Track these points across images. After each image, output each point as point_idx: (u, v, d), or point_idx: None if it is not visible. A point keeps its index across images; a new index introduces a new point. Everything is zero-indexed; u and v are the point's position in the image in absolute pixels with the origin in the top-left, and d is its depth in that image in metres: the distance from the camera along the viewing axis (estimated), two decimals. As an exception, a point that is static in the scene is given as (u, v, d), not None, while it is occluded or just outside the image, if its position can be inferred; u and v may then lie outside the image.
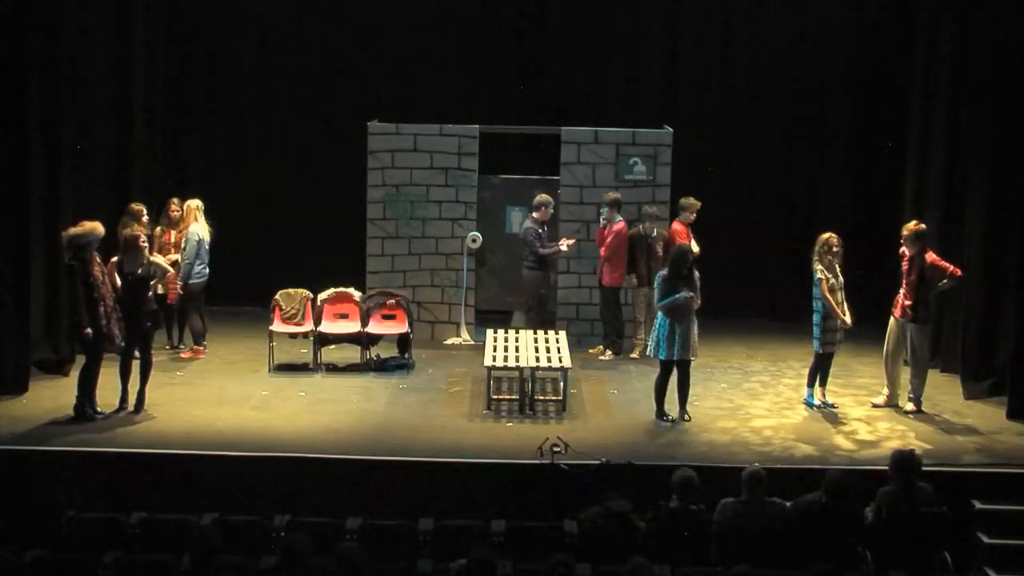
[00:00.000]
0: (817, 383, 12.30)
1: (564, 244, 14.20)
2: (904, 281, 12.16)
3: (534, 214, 14.12)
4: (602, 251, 14.06)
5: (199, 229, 13.64)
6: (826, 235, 12.11)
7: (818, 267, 11.96)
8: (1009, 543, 10.04)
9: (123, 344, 11.67)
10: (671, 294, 11.50)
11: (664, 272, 11.72)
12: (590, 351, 14.29)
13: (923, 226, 12.23)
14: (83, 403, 11.50)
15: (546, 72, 16.30)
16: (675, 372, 11.77)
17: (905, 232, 12.14)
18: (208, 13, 16.09)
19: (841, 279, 12.07)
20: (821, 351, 12.16)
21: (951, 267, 12.12)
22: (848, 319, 12.07)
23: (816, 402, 12.26)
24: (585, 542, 8.92)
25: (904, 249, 12.12)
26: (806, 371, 13.66)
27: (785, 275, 15.22)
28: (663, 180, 14.55)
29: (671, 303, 11.49)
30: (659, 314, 11.71)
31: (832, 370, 13.68)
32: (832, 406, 12.25)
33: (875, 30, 15.75)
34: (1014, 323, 12.16)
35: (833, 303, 11.96)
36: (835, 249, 12.02)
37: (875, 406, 12.36)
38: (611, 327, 14.21)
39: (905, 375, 12.31)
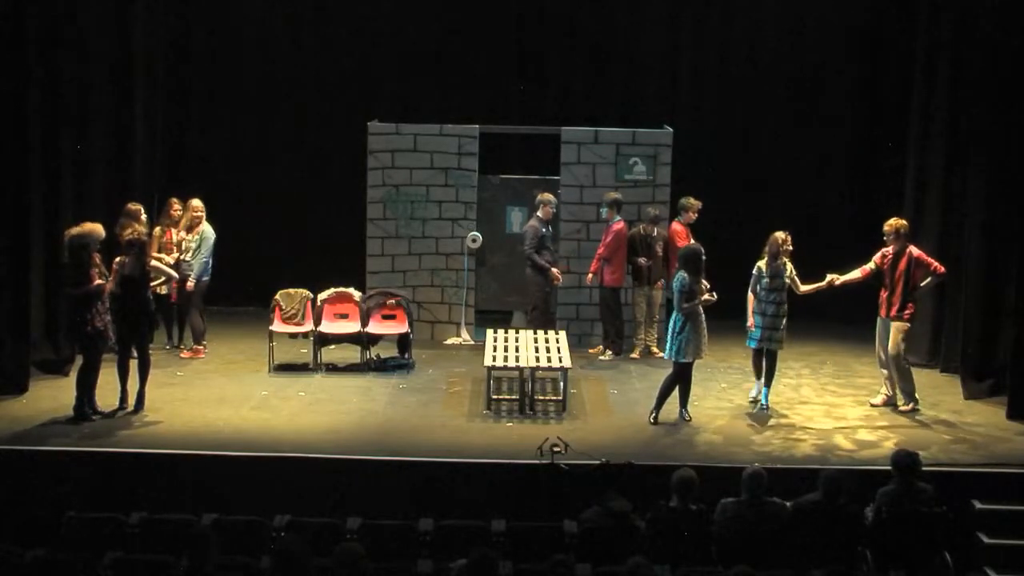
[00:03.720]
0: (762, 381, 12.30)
1: (558, 274, 14.15)
2: (887, 279, 12.15)
3: (538, 212, 14.11)
4: (600, 250, 14.05)
5: (209, 228, 13.70)
6: (779, 233, 12.06)
7: (762, 264, 12.04)
8: (1009, 543, 10.04)
9: (115, 344, 11.68)
10: (693, 297, 11.51)
11: (684, 275, 11.64)
12: (590, 351, 14.30)
13: (904, 222, 12.24)
14: (83, 403, 11.50)
15: (546, 72, 16.31)
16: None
17: (887, 228, 12.16)
18: (208, 13, 16.08)
19: (783, 280, 12.02)
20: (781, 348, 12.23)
21: (935, 263, 12.12)
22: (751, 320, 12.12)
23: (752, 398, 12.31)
24: (585, 542, 8.92)
25: (888, 247, 12.13)
26: (806, 371, 13.73)
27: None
28: (663, 180, 14.55)
29: (693, 307, 11.50)
30: (674, 316, 11.68)
31: (831, 370, 13.76)
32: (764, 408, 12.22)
33: (875, 30, 15.75)
34: (1014, 323, 12.15)
35: (754, 300, 12.06)
36: (786, 247, 12.01)
37: (873, 406, 12.36)
38: (611, 327, 14.21)
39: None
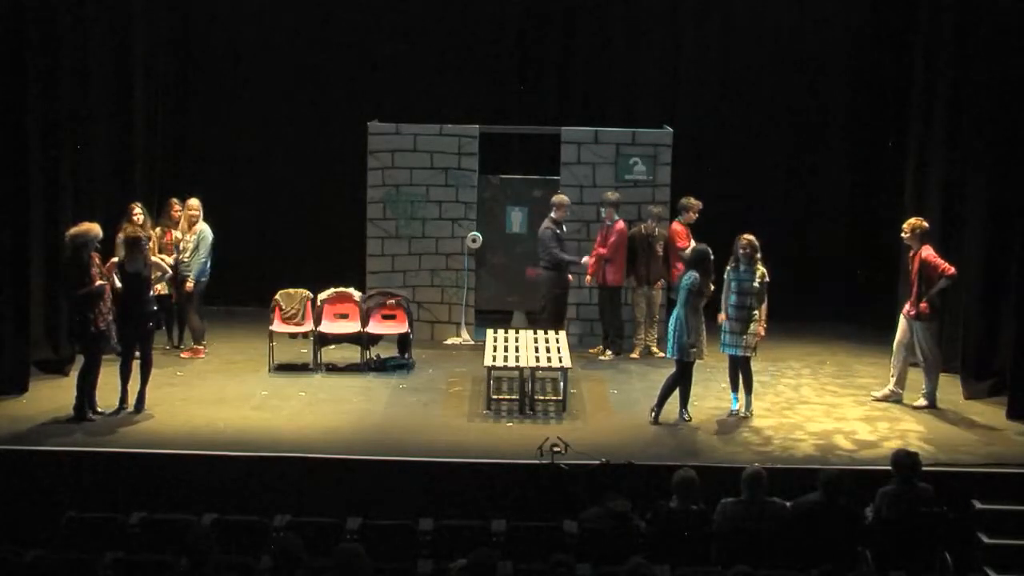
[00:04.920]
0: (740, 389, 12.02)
1: (584, 259, 14.06)
2: (910, 279, 12.18)
3: (552, 214, 14.05)
4: (604, 251, 14.01)
5: (208, 228, 13.70)
6: (746, 237, 11.82)
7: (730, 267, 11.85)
8: (1009, 543, 10.03)
9: (117, 344, 11.68)
10: (700, 296, 11.54)
11: (695, 275, 11.57)
12: (590, 351, 14.28)
13: (921, 222, 12.21)
14: (83, 403, 11.50)
15: (546, 72, 16.31)
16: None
17: (905, 227, 12.16)
18: (208, 13, 16.08)
19: (751, 284, 11.77)
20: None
21: (943, 264, 12.05)
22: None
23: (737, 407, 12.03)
24: (585, 542, 8.92)
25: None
26: (806, 371, 13.70)
27: (784, 275, 15.18)
28: (663, 180, 14.55)
29: (696, 304, 11.56)
30: (675, 316, 11.70)
31: (831, 370, 13.74)
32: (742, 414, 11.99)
33: (875, 30, 15.74)
34: (1014, 323, 12.15)
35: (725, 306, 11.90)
36: (747, 251, 11.75)
37: (876, 399, 12.38)
38: (611, 327, 14.20)
39: (914, 373, 12.34)
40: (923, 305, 12.05)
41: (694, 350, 11.58)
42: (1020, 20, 12.20)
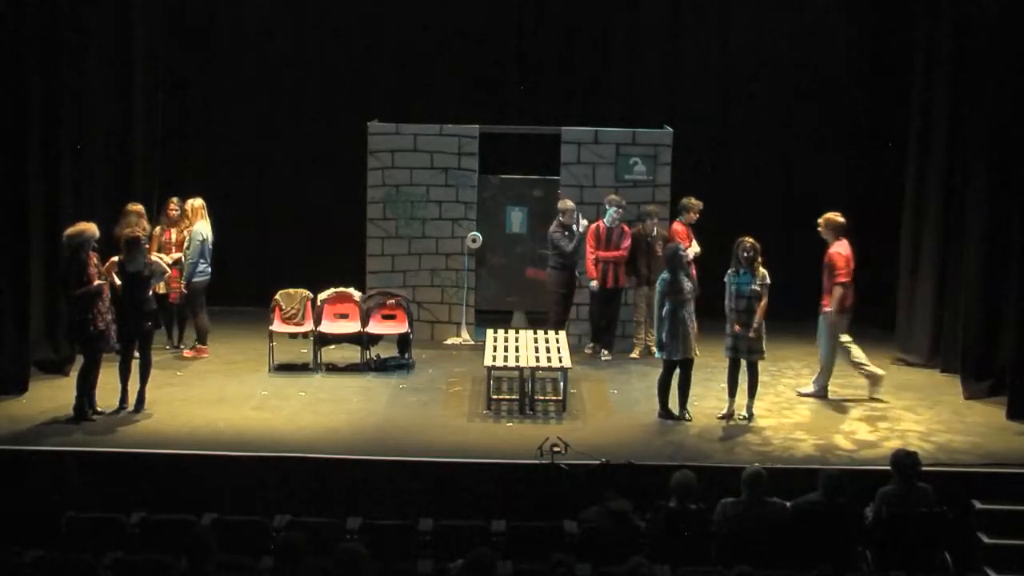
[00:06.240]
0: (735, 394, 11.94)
1: (593, 284, 14.07)
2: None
3: (560, 218, 14.00)
4: (619, 253, 13.90)
5: (203, 228, 13.67)
6: (746, 239, 11.74)
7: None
8: (1009, 543, 10.03)
9: (117, 344, 11.69)
10: (674, 295, 11.54)
11: (666, 275, 11.67)
12: (586, 351, 14.22)
13: (836, 217, 12.27)
14: (83, 403, 11.50)
15: (546, 72, 16.31)
16: (677, 371, 11.79)
17: (820, 221, 12.30)
18: (209, 13, 16.09)
19: (749, 287, 11.70)
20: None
21: (840, 268, 12.00)
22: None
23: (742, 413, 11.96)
24: (585, 542, 8.93)
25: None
26: (806, 371, 13.69)
27: (784, 275, 15.17)
28: (663, 180, 14.54)
29: (677, 299, 11.56)
30: (663, 314, 11.71)
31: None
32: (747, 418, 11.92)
33: (875, 30, 15.74)
34: (1014, 323, 12.15)
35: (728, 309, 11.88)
36: (747, 254, 11.67)
37: (872, 398, 12.48)
38: (613, 326, 14.17)
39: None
40: (825, 301, 12.11)
41: (671, 348, 11.58)
42: (1019, 21, 12.20)
